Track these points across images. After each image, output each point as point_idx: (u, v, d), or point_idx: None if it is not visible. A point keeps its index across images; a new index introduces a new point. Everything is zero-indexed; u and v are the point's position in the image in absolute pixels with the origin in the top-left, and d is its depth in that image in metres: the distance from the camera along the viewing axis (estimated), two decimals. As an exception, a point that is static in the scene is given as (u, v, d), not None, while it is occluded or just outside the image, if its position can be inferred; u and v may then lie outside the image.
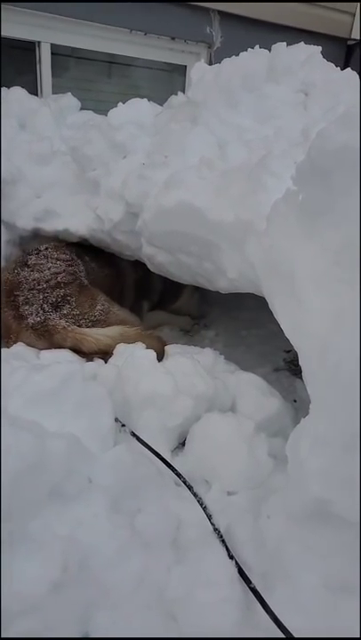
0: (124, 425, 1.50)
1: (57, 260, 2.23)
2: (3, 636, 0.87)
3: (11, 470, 0.92)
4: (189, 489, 1.35)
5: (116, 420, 1.47)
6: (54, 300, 2.03)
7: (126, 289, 2.66)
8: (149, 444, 1.43)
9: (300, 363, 1.32)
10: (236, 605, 1.04)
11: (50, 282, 2.09)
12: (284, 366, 2.50)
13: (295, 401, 2.07)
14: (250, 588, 1.07)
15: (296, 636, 0.99)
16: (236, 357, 2.16)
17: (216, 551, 1.15)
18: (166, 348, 1.99)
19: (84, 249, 2.50)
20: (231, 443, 1.48)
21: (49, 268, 2.17)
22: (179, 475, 1.38)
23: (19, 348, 1.81)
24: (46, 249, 2.33)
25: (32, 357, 1.58)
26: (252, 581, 1.11)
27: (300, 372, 2.42)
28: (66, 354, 1.66)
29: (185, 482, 1.37)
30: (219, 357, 2.03)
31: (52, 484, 1.04)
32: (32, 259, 2.24)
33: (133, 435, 1.47)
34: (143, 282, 2.67)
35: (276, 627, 0.99)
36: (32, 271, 2.15)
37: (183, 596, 1.05)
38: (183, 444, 1.58)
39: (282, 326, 1.46)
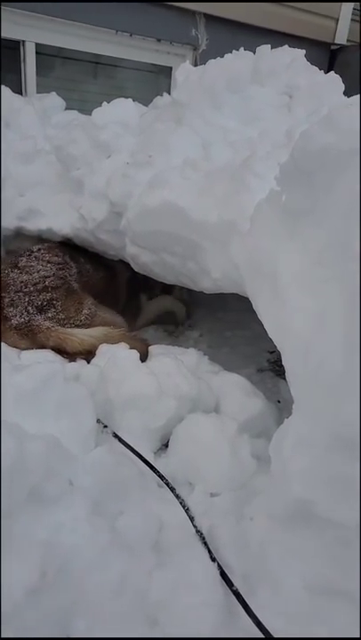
0: (106, 426, 1.48)
1: (48, 262, 2.21)
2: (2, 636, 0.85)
3: (-13, 473, 0.90)
4: (172, 490, 1.33)
5: (98, 421, 1.45)
6: (40, 303, 2.01)
7: (122, 286, 2.64)
8: (132, 446, 1.41)
9: (283, 363, 1.31)
10: (218, 609, 1.02)
11: (37, 285, 2.07)
12: (268, 367, 2.50)
13: (279, 401, 2.07)
14: (232, 590, 1.06)
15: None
16: (220, 358, 2.15)
17: (198, 554, 1.14)
18: (150, 348, 1.98)
19: (79, 250, 2.48)
20: (214, 443, 1.47)
21: (38, 271, 2.14)
22: (161, 476, 1.37)
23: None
24: (39, 250, 2.31)
25: (13, 358, 1.56)
26: (235, 584, 1.10)
27: (284, 372, 2.42)
28: (47, 354, 1.64)
29: (167, 483, 1.35)
30: (203, 358, 2.02)
31: (31, 486, 1.02)
32: (23, 260, 2.21)
33: (115, 436, 1.45)
34: (142, 276, 2.64)
35: (258, 630, 0.98)
36: (21, 273, 2.12)
37: (165, 599, 1.04)
38: (166, 445, 1.57)
39: (265, 326, 1.46)
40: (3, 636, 0.84)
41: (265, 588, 1.08)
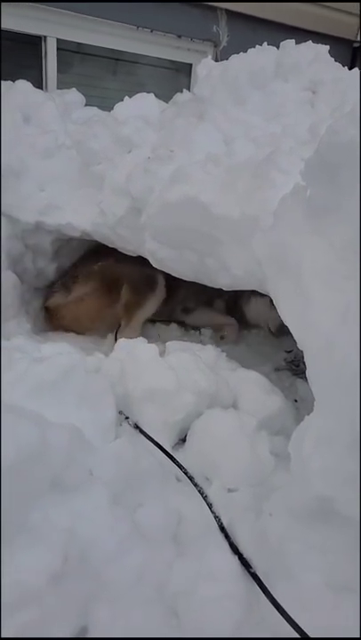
0: (127, 417, 1.49)
1: None
2: (2, 635, 0.85)
3: (11, 459, 0.91)
4: (190, 480, 1.33)
5: (120, 412, 1.46)
6: None
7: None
8: (153, 437, 1.41)
9: (305, 360, 1.30)
10: (238, 601, 1.02)
11: None
12: (285, 366, 2.49)
13: (296, 401, 2.06)
14: (250, 573, 1.06)
15: (298, 634, 0.97)
16: (236, 355, 2.15)
17: (218, 547, 1.14)
18: (167, 344, 1.99)
19: None
20: (233, 439, 1.47)
21: None
22: (180, 466, 1.37)
23: (19, 340, 1.79)
24: None
25: (33, 350, 1.57)
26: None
27: (301, 372, 2.41)
28: (66, 346, 1.65)
29: (186, 473, 1.35)
30: (220, 355, 2.02)
31: (53, 474, 1.03)
32: None
33: (137, 427, 1.45)
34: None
35: (278, 624, 0.97)
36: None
37: (184, 591, 1.04)
38: (184, 440, 1.57)
39: (286, 323, 1.45)
40: (3, 636, 0.85)
41: (285, 584, 1.07)
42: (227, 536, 1.16)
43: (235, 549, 1.13)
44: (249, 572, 1.07)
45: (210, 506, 1.26)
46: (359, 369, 1.06)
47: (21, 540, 0.91)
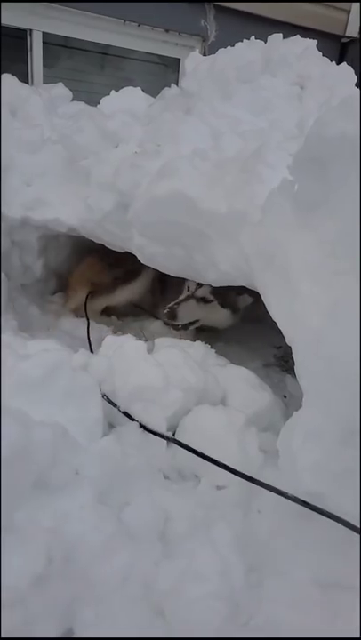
0: (115, 405, 1.47)
1: None
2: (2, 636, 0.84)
3: (-6, 459, 0.89)
4: (195, 452, 1.33)
5: (104, 396, 1.44)
6: None
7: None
8: (141, 422, 1.40)
9: (293, 355, 1.29)
10: (225, 601, 1.01)
11: None
12: (275, 362, 2.49)
13: (285, 396, 2.06)
14: None
15: (286, 632, 0.97)
16: (226, 352, 2.14)
17: (205, 546, 1.12)
18: (156, 340, 1.97)
19: None
20: (222, 436, 1.46)
21: None
22: (179, 443, 1.37)
23: (5, 337, 1.76)
24: None
25: (19, 346, 1.54)
26: (242, 576, 1.08)
27: (290, 368, 2.41)
28: (52, 343, 1.62)
29: (179, 443, 1.34)
30: (209, 351, 2.01)
31: (38, 473, 1.01)
32: None
33: (125, 414, 1.43)
34: None
35: (265, 626, 0.96)
36: None
37: (171, 590, 1.02)
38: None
39: (275, 318, 1.44)
40: (3, 636, 0.83)
41: (273, 581, 1.07)
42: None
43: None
44: None
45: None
46: (354, 363, 1.05)
47: (5, 541, 0.89)
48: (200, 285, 1.97)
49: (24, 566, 0.87)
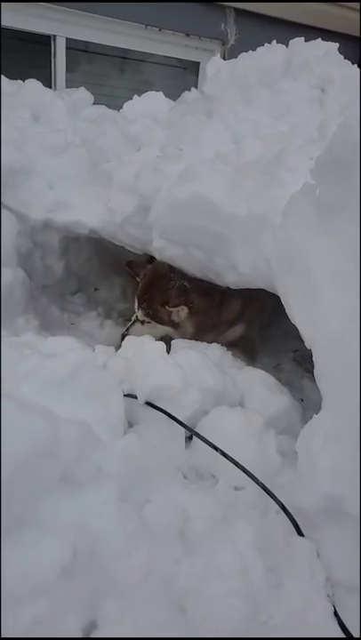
0: (135, 397, 1.50)
1: None
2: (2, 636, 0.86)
3: (23, 453, 0.91)
4: (215, 449, 1.38)
5: (128, 395, 1.48)
6: None
7: None
8: (167, 411, 1.44)
9: (313, 358, 1.30)
10: (245, 599, 1.02)
11: None
12: (292, 365, 2.49)
13: (302, 400, 2.06)
14: None
15: (305, 632, 0.98)
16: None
17: (225, 544, 1.14)
18: (173, 342, 1.99)
19: None
20: (240, 437, 1.47)
21: None
22: (198, 435, 1.42)
23: (28, 336, 1.80)
24: None
25: (42, 346, 1.58)
26: (260, 576, 1.09)
27: (308, 370, 2.40)
28: (72, 342, 1.66)
29: (196, 434, 1.39)
30: (226, 353, 2.02)
31: (63, 469, 1.03)
32: None
33: (149, 404, 1.47)
34: None
35: (285, 625, 0.97)
36: None
37: (192, 587, 1.04)
38: (191, 437, 1.57)
39: (295, 321, 1.45)
40: (3, 636, 0.85)
41: (292, 583, 1.08)
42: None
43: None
44: None
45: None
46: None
47: (31, 534, 0.92)
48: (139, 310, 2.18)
49: (52, 557, 0.90)
